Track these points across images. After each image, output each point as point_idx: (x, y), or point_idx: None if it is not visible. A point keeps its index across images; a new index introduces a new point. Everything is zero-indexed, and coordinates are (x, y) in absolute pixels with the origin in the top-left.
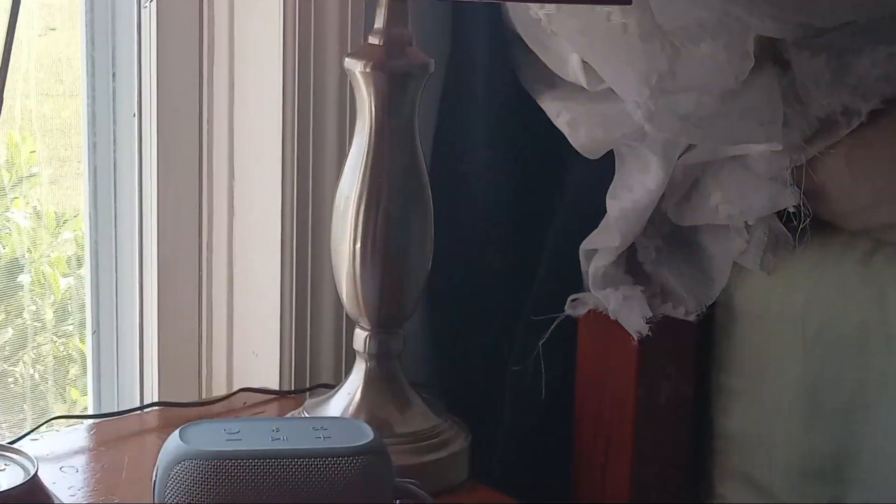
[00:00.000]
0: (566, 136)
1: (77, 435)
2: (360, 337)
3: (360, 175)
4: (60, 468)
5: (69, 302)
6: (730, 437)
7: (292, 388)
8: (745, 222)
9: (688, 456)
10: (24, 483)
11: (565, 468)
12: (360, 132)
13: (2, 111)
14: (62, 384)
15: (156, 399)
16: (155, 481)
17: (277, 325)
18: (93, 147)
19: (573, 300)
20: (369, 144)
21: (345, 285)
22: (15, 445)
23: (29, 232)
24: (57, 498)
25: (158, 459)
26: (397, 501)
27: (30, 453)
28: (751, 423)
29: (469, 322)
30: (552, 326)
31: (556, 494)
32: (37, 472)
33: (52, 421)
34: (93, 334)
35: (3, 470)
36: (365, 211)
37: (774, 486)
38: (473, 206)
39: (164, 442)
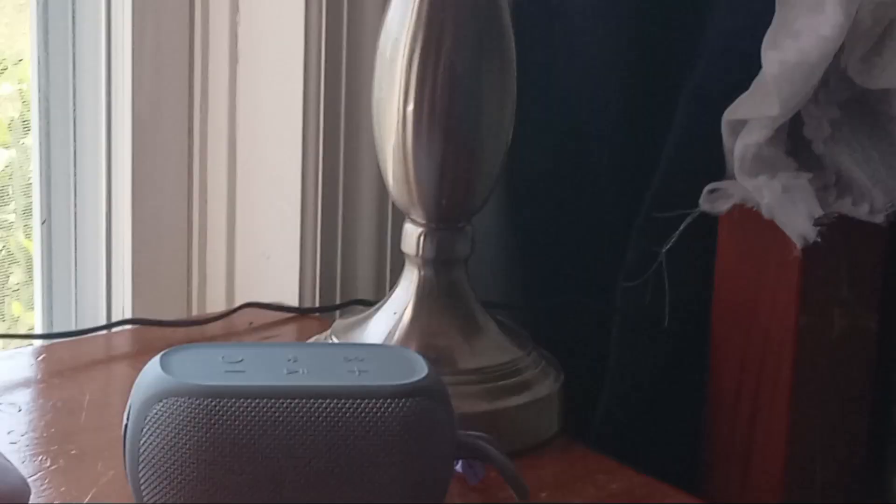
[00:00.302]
0: None
1: (20, 361)
2: (412, 235)
3: (415, 8)
4: None
5: (9, 182)
6: None
7: (316, 305)
8: None
9: (867, 410)
10: None
11: (694, 424)
12: None
13: None
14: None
15: (128, 315)
16: (126, 425)
17: (297, 218)
18: None
19: (711, 191)
20: None
21: (391, 162)
22: None
23: None
24: None
25: (132, 395)
26: (459, 463)
27: None
28: None
29: (563, 223)
30: (681, 227)
31: (681, 460)
32: None
33: None
34: (42, 224)
35: None
36: (421, 60)
37: None
38: (575, 59)
39: (139, 372)
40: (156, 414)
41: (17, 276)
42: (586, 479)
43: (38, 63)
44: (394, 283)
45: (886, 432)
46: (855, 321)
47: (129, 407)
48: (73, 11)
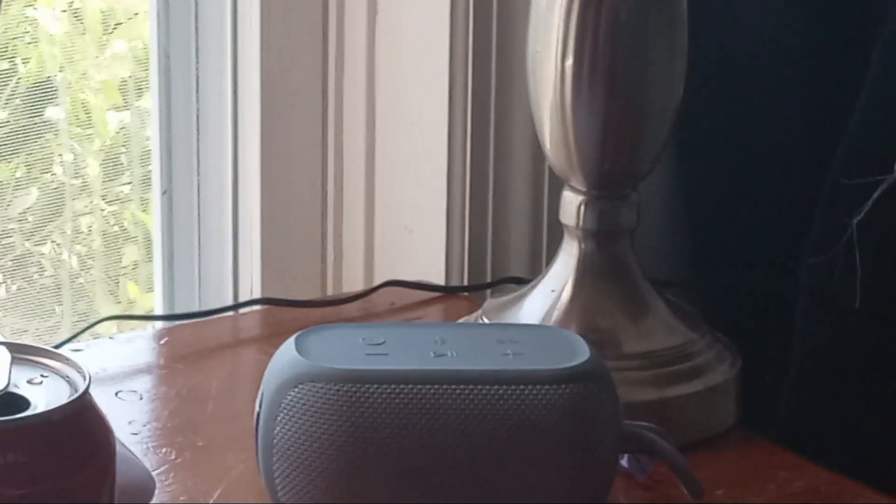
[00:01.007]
0: None
1: (140, 345)
2: (572, 204)
3: None
4: (116, 393)
5: (123, 150)
6: None
7: (465, 283)
8: None
9: None
10: (71, 402)
11: (891, 417)
12: None
13: None
14: (113, 274)
15: (257, 295)
16: (258, 413)
17: (444, 188)
18: None
19: None
20: None
21: (548, 123)
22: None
23: (63, 41)
24: (113, 432)
25: (264, 381)
26: (624, 457)
27: (79, 362)
28: None
29: (740, 191)
30: (875, 195)
31: (875, 458)
32: (88, 386)
33: (103, 323)
34: (162, 195)
35: (41, 383)
36: (581, 9)
37: None
38: (753, 12)
39: (270, 357)
40: (291, 401)
41: (132, 255)
42: (767, 475)
43: (158, 17)
44: (550, 258)
45: None
46: None
47: (262, 393)
48: None
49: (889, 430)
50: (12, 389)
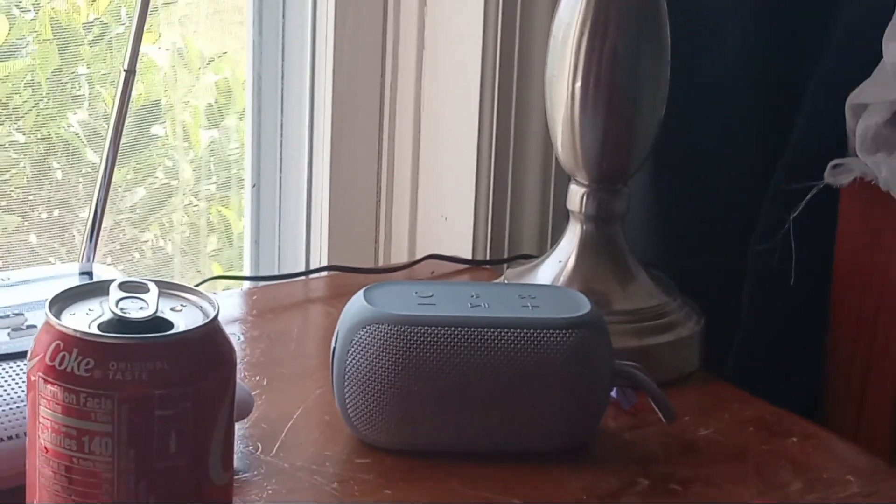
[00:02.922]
0: None
1: (236, 300)
2: (577, 194)
3: (583, 1)
4: None
5: (211, 159)
6: None
7: (488, 258)
8: None
9: None
10: (204, 325)
11: (815, 372)
12: None
13: None
14: (201, 257)
15: (325, 264)
16: (334, 347)
17: (473, 183)
18: None
19: (835, 166)
20: None
21: (560, 131)
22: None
23: (169, 72)
24: (235, 351)
25: (339, 322)
26: (615, 391)
27: (211, 296)
28: None
29: (705, 190)
30: (807, 197)
31: (802, 398)
32: (217, 314)
33: (212, 281)
34: (252, 188)
35: (181, 311)
36: (588, 42)
37: None
38: (717, 49)
39: (336, 312)
40: (360, 338)
41: (215, 243)
42: (723, 406)
43: (254, 49)
44: (554, 239)
45: None
46: None
47: (337, 333)
48: (284, 8)
49: (814, 374)
50: (160, 314)
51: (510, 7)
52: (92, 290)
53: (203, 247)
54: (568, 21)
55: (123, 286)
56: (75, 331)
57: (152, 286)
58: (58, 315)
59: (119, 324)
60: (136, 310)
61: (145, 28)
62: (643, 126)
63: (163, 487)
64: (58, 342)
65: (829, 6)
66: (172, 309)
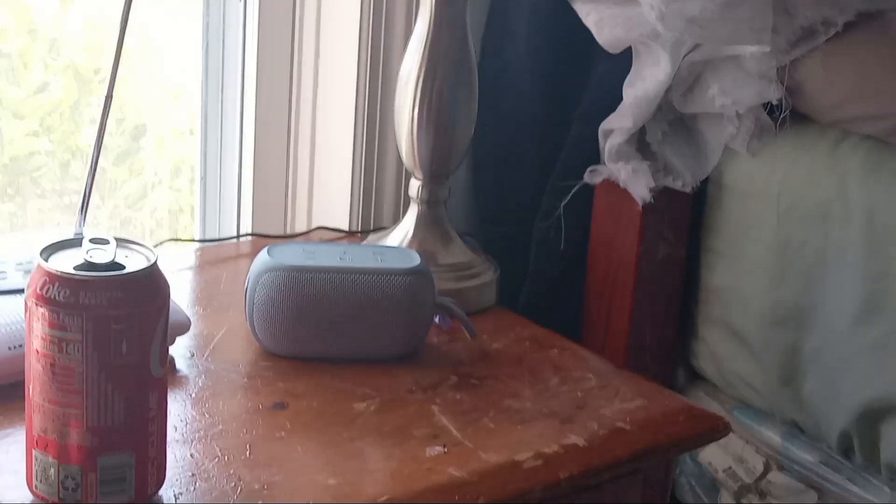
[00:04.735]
0: (593, 33)
1: (185, 257)
2: (415, 186)
3: (420, 55)
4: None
5: (182, 164)
6: (713, 290)
7: (359, 229)
8: (737, 111)
9: (678, 304)
10: (147, 267)
11: (578, 308)
12: (421, 18)
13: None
14: (174, 231)
15: (249, 231)
16: (246, 288)
17: (349, 176)
18: (206, 27)
19: (591, 170)
20: (428, 30)
21: (404, 143)
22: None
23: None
24: (169, 286)
25: (250, 271)
26: (437, 317)
27: (152, 248)
28: (731, 279)
29: (506, 184)
30: (573, 191)
31: (569, 327)
32: (157, 261)
33: (166, 243)
34: (201, 179)
35: (128, 257)
36: (423, 84)
37: (747, 332)
38: (514, 90)
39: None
40: (264, 280)
41: (186, 220)
42: (510, 329)
43: (201, 88)
44: (404, 214)
45: (687, 316)
46: (671, 250)
47: (248, 278)
48: (223, 59)
49: (576, 309)
50: (116, 260)
51: (375, 57)
52: (70, 243)
53: (175, 220)
54: (409, 68)
55: (93, 240)
56: (57, 270)
57: (112, 240)
58: (46, 259)
59: (88, 265)
60: (100, 256)
61: None
62: (460, 140)
63: (118, 378)
64: (45, 278)
65: (589, 63)
66: (126, 256)
